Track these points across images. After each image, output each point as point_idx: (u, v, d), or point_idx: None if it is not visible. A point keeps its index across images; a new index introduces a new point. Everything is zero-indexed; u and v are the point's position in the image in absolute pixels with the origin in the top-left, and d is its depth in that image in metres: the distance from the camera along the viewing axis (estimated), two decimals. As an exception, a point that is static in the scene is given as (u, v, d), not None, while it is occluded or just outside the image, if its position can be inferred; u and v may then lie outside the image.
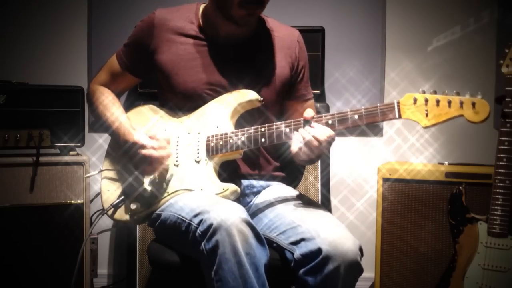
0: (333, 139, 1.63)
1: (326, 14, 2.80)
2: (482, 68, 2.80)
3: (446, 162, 2.46)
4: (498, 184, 1.97)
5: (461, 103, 1.50)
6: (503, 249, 1.97)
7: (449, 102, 1.51)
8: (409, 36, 2.85)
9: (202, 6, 1.88)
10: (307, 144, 1.62)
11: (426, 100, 1.53)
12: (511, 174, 1.95)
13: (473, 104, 1.50)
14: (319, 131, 1.61)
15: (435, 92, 1.54)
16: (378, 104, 1.58)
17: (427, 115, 1.53)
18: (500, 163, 1.96)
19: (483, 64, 2.80)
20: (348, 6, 2.82)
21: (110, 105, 1.87)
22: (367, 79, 2.83)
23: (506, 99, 1.95)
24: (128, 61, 1.89)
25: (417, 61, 2.83)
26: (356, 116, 1.59)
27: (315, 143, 1.61)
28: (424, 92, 1.55)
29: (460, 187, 2.07)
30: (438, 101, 1.52)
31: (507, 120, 1.95)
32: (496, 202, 1.97)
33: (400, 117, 1.55)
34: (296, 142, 1.65)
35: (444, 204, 2.24)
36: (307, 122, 1.65)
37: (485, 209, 2.02)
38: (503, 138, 1.95)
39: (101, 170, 1.89)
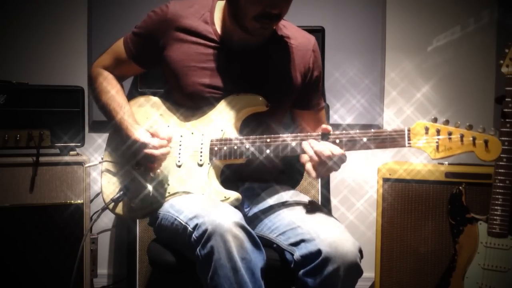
0: (340, 159, 1.57)
1: (326, 14, 2.80)
2: (482, 68, 2.80)
3: (446, 162, 2.45)
4: (498, 184, 1.97)
5: (474, 140, 1.47)
6: (503, 249, 1.97)
7: (462, 137, 1.48)
8: (409, 36, 2.85)
9: (218, 3, 1.82)
10: (311, 159, 1.59)
11: (438, 131, 1.49)
12: (511, 174, 1.95)
13: (486, 142, 1.46)
14: (323, 148, 1.57)
15: (447, 122, 1.50)
16: (388, 130, 1.54)
17: (437, 147, 1.49)
18: (500, 163, 1.96)
19: (483, 64, 2.80)
20: (348, 6, 2.82)
21: (114, 94, 1.83)
22: (367, 79, 2.83)
23: (506, 99, 1.95)
24: (135, 50, 1.85)
25: (417, 61, 2.83)
26: (364, 139, 1.56)
27: (317, 159, 1.58)
28: (436, 121, 1.51)
29: (460, 187, 2.07)
30: (450, 134, 1.48)
31: (507, 120, 1.95)
32: (496, 202, 1.97)
33: (409, 145, 1.51)
34: (304, 157, 1.62)
35: (444, 204, 2.24)
36: (325, 136, 1.61)
37: (485, 209, 2.02)
38: (503, 138, 1.95)
39: (102, 161, 1.88)
